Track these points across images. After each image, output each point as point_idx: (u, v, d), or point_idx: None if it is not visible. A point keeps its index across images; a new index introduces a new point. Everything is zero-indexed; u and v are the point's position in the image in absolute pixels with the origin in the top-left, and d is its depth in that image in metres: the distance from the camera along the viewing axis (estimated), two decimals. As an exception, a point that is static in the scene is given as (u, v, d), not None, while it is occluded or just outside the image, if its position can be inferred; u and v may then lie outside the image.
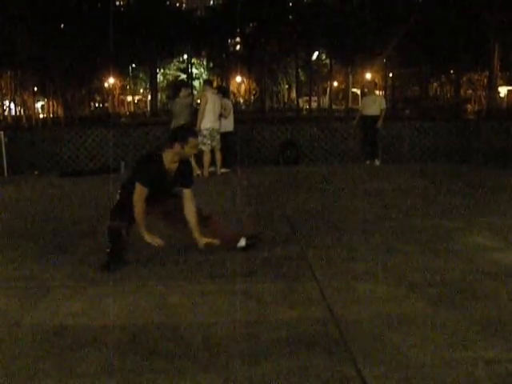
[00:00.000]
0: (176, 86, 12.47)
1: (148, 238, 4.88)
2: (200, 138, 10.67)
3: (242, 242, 5.29)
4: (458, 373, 2.93)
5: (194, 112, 11.18)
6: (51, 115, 58.26)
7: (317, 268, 4.75)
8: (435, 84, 64.92)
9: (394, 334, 3.40)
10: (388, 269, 4.71)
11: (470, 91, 58.53)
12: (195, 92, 61.04)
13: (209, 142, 10.69)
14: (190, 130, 5.49)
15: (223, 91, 11.96)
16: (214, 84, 11.60)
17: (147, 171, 4.82)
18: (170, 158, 4.87)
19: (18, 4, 40.13)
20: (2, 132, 12.61)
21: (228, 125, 11.33)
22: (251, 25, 64.04)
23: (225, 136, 11.17)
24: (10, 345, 3.38)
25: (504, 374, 2.91)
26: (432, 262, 4.89)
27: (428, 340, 3.32)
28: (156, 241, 4.89)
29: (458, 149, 13.20)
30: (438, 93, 66.33)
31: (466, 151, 13.13)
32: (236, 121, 12.02)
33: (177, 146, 4.84)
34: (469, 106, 51.40)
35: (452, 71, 52.30)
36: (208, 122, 10.65)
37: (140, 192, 4.76)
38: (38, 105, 67.14)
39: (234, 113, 11.89)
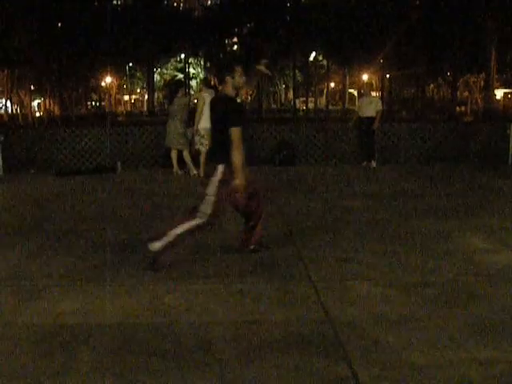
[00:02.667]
0: (173, 87, 12.45)
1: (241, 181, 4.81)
2: (197, 138, 10.67)
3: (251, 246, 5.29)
4: (453, 373, 2.94)
5: (191, 112, 11.17)
6: (48, 114, 58.16)
7: (312, 269, 4.76)
8: (432, 86, 65.02)
9: (389, 335, 3.41)
10: (383, 270, 4.72)
11: (466, 93, 58.64)
12: (192, 92, 61.02)
13: (206, 142, 10.67)
14: (232, 60, 5.59)
15: (215, 90, 11.94)
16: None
17: (238, 112, 4.90)
18: (231, 93, 4.97)
19: (15, 2, 40.04)
20: (-2, 130, 12.56)
21: None
22: (248, 25, 64.04)
23: None
24: (5, 343, 3.38)
25: (498, 374, 2.92)
26: (427, 263, 4.90)
27: (423, 341, 3.33)
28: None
29: (454, 151, 13.22)
30: (435, 94, 66.45)
31: (462, 153, 13.15)
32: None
33: (228, 79, 4.94)
34: (465, 108, 51.50)
35: (449, 73, 52.39)
36: (205, 121, 10.63)
37: (240, 135, 4.78)
38: (35, 103, 66.99)
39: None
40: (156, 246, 4.77)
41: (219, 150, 4.92)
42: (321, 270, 4.72)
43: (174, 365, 3.08)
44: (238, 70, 4.99)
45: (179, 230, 4.79)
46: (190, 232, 4.85)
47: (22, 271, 4.83)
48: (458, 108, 49.26)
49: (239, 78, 4.97)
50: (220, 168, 4.83)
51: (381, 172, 11.60)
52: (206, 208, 4.79)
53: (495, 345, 3.26)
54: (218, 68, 5.86)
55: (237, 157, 4.75)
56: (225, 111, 4.89)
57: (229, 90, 4.96)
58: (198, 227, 4.85)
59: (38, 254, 5.36)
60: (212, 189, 4.82)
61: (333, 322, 3.63)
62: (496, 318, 3.67)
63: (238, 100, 5.08)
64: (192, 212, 4.89)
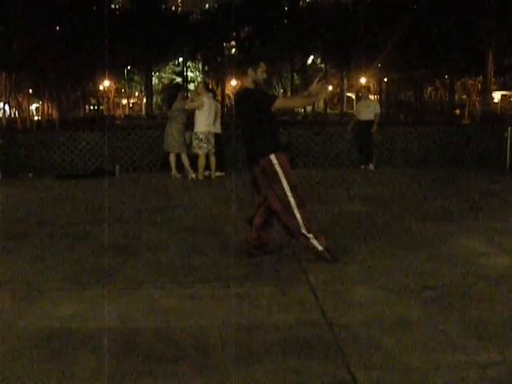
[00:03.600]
0: (172, 91, 12.45)
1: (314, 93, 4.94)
2: (196, 142, 10.68)
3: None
4: (451, 376, 2.95)
5: (190, 115, 11.17)
6: (46, 117, 58.14)
7: (311, 272, 4.77)
8: (429, 89, 65.14)
9: (388, 338, 3.41)
10: (382, 273, 4.73)
11: (464, 96, 58.75)
12: (189, 95, 60.97)
13: (205, 145, 10.68)
14: (259, 56, 5.71)
15: (213, 94, 11.97)
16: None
17: (260, 93, 4.98)
18: (250, 86, 5.05)
19: (14, 6, 40.07)
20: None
21: (217, 127, 11.28)
22: (247, 28, 64.14)
23: (215, 138, 11.09)
24: (3, 348, 3.38)
25: (497, 377, 2.93)
26: (425, 266, 4.91)
27: (421, 343, 3.33)
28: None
29: (452, 153, 13.25)
30: (433, 97, 66.54)
31: (460, 156, 13.18)
32: (231, 124, 12.02)
33: (250, 72, 5.03)
34: (463, 111, 51.57)
35: (446, 76, 52.48)
36: (204, 125, 10.65)
37: (285, 100, 4.90)
38: (33, 107, 66.97)
39: (229, 116, 11.88)
40: (315, 243, 4.90)
41: (259, 143, 4.94)
42: (319, 273, 4.72)
43: (173, 369, 3.08)
44: (262, 65, 5.10)
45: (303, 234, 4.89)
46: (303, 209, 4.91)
47: (22, 275, 4.82)
48: (456, 111, 49.32)
49: (261, 73, 5.06)
50: (272, 159, 4.85)
51: (379, 175, 11.62)
52: (289, 197, 4.85)
53: (494, 347, 3.27)
54: (243, 62, 6.15)
55: (304, 103, 4.88)
56: (255, 101, 4.93)
57: (248, 82, 5.04)
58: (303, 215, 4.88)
59: (38, 257, 5.36)
60: (281, 179, 4.85)
61: (331, 325, 3.64)
62: (494, 320, 3.68)
63: None
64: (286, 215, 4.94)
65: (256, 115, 4.94)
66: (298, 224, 4.89)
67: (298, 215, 4.86)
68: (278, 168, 4.86)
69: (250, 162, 5.06)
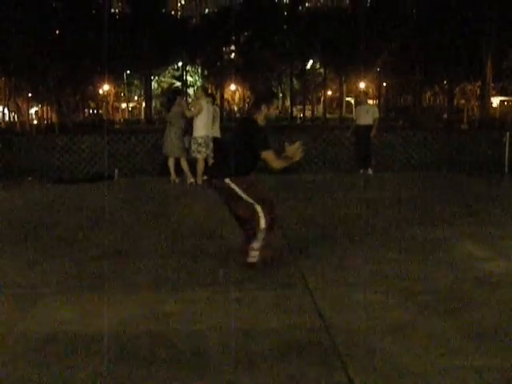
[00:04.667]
0: (171, 95, 12.46)
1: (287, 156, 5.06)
2: (195, 146, 10.70)
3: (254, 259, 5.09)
4: (449, 380, 2.96)
5: (188, 120, 11.19)
6: (45, 121, 58.17)
7: (309, 276, 4.78)
8: (428, 94, 65.27)
9: (386, 342, 3.42)
10: (380, 277, 4.74)
11: (463, 101, 58.86)
12: (189, 100, 61.08)
13: (204, 149, 10.70)
14: (270, 91, 6.17)
15: (212, 98, 12.01)
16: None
17: (263, 134, 5.05)
18: (260, 121, 5.14)
19: (13, 9, 40.14)
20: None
21: (215, 131, 11.29)
22: (246, 33, 64.28)
23: (214, 143, 11.10)
24: (2, 352, 3.39)
25: (494, 382, 2.94)
26: (423, 270, 4.93)
27: (419, 348, 3.34)
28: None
29: (451, 159, 13.28)
30: (432, 103, 66.67)
31: (459, 161, 13.21)
32: (230, 129, 12.04)
33: (264, 108, 5.12)
34: (462, 116, 51.67)
35: (445, 81, 52.61)
36: (203, 129, 10.67)
37: (272, 156, 4.98)
38: (32, 111, 67.00)
39: (228, 121, 11.91)
40: (253, 257, 4.96)
41: (229, 165, 5.01)
42: (317, 278, 4.74)
43: (172, 372, 3.09)
44: (275, 103, 5.34)
45: (258, 243, 4.94)
46: (268, 232, 4.97)
47: (20, 279, 4.83)
48: (454, 115, 49.41)
49: (272, 110, 5.24)
50: (231, 183, 4.94)
51: (377, 180, 11.64)
52: (255, 207, 4.92)
53: (491, 352, 3.28)
54: (257, 96, 6.13)
55: (279, 164, 5.08)
56: (252, 134, 5.05)
57: (261, 118, 5.15)
58: (268, 226, 4.94)
59: (36, 262, 5.36)
60: (242, 195, 4.94)
61: (329, 329, 3.65)
62: (492, 325, 3.69)
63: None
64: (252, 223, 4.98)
65: (245, 147, 5.01)
66: (254, 239, 4.94)
67: (262, 225, 4.90)
68: (234, 187, 4.94)
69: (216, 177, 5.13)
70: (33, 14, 42.22)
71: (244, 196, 4.95)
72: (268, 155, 4.95)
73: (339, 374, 3.05)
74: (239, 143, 5.09)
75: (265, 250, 4.99)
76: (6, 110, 59.99)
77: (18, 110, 58.69)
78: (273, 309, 4.03)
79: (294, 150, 5.09)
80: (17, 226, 7.13)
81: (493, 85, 45.25)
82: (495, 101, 54.35)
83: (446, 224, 6.92)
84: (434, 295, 4.27)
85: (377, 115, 12.83)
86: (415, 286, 4.49)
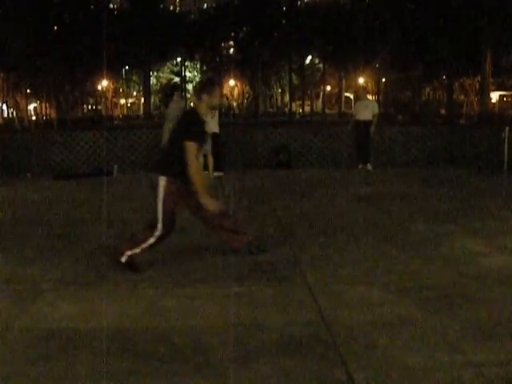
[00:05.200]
0: (169, 90, 12.40)
1: (207, 201, 4.89)
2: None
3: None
4: (448, 376, 2.96)
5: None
6: (44, 117, 58.10)
7: (308, 272, 4.78)
8: (427, 89, 65.22)
9: (385, 338, 3.43)
10: (379, 273, 4.75)
11: (462, 96, 58.80)
12: (188, 95, 61.06)
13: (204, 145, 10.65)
14: (211, 80, 5.89)
15: None
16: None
17: (198, 128, 4.98)
18: (203, 111, 5.07)
19: (12, 5, 40.06)
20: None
21: (214, 126, 11.25)
22: (245, 29, 64.16)
23: (212, 138, 11.06)
24: (2, 347, 3.39)
25: (493, 377, 2.94)
26: (422, 266, 4.93)
27: (418, 343, 3.35)
28: (214, 207, 4.92)
29: (450, 154, 13.28)
30: (431, 98, 66.61)
31: (458, 156, 13.21)
32: (229, 124, 12.04)
33: (205, 97, 5.03)
34: (461, 111, 51.64)
35: (444, 76, 52.55)
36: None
37: (193, 150, 4.83)
38: (31, 107, 66.90)
39: (227, 116, 11.90)
40: (123, 260, 4.88)
41: (165, 160, 4.99)
42: (317, 274, 4.74)
43: (171, 368, 3.09)
44: (216, 90, 5.16)
45: (137, 249, 4.87)
46: (149, 247, 4.92)
47: (20, 275, 4.83)
48: (453, 110, 49.35)
49: (215, 98, 5.11)
50: (162, 181, 4.87)
51: (377, 175, 11.63)
52: (158, 222, 4.86)
53: (490, 348, 3.28)
54: (198, 86, 5.95)
55: (194, 173, 4.82)
56: (186, 124, 4.98)
57: (203, 107, 5.05)
58: (155, 242, 4.91)
59: (35, 257, 5.37)
60: (158, 202, 4.89)
61: (329, 325, 3.65)
62: (491, 320, 3.69)
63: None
64: (147, 230, 4.94)
65: (180, 137, 4.92)
66: (139, 241, 4.90)
67: (151, 239, 4.87)
68: (161, 188, 4.88)
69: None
70: (31, 10, 42.12)
71: (159, 201, 4.87)
72: (190, 146, 4.79)
73: (339, 369, 3.05)
74: (176, 138, 4.97)
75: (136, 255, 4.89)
76: (4, 107, 59.90)
77: (16, 106, 58.60)
78: (272, 305, 4.04)
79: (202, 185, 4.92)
80: (16, 223, 7.13)
81: (492, 80, 45.20)
82: (494, 96, 54.32)
83: (445, 219, 6.92)
84: (434, 291, 4.27)
85: (376, 111, 12.83)
86: (415, 282, 4.49)
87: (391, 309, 3.93)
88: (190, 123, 4.99)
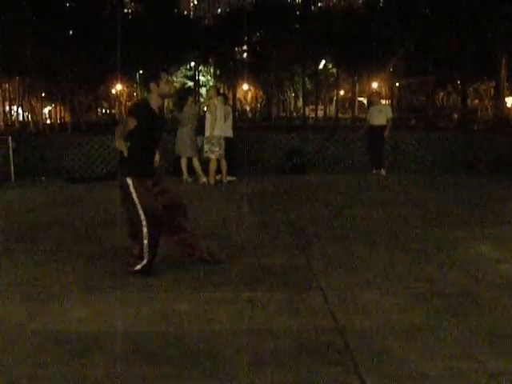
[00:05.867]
0: (183, 95, 12.38)
1: (119, 143, 4.81)
2: (208, 146, 10.68)
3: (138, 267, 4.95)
4: (463, 384, 2.93)
5: (201, 119, 11.20)
6: (58, 121, 58.54)
7: (321, 277, 4.76)
8: (442, 94, 64.91)
9: (399, 345, 3.39)
10: (393, 279, 4.71)
11: (476, 101, 58.46)
12: (202, 99, 61.15)
13: (217, 149, 10.67)
14: (158, 68, 5.55)
15: (225, 98, 12.01)
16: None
17: (139, 111, 4.89)
18: (154, 101, 4.94)
19: (28, 10, 40.45)
20: (10, 137, 12.67)
21: (228, 130, 11.26)
22: (258, 33, 64.30)
23: (226, 142, 11.06)
24: (15, 350, 3.39)
25: (508, 386, 2.90)
26: (437, 272, 4.89)
27: (432, 350, 3.31)
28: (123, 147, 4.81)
29: (464, 159, 13.19)
30: (445, 103, 66.29)
31: (472, 162, 13.11)
32: (242, 129, 12.04)
33: (152, 86, 4.93)
34: (475, 116, 51.32)
35: (459, 81, 52.27)
36: (217, 129, 10.64)
37: (128, 126, 4.74)
38: (46, 110, 67.44)
39: (241, 120, 11.91)
40: (138, 268, 4.86)
41: (128, 163, 4.86)
42: (330, 279, 4.71)
43: (184, 373, 3.08)
44: (164, 77, 4.99)
45: (144, 261, 4.82)
46: (152, 249, 4.84)
47: (33, 277, 4.85)
48: (467, 115, 49.09)
49: (164, 85, 4.96)
50: (129, 181, 4.79)
51: (390, 180, 11.58)
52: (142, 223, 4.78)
53: (505, 355, 3.24)
54: (146, 78, 5.90)
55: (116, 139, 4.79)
56: (132, 111, 4.89)
57: (154, 97, 4.95)
58: (151, 243, 4.82)
59: (49, 260, 5.39)
60: (133, 203, 4.78)
61: (342, 331, 3.62)
62: (506, 327, 3.65)
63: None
64: (136, 239, 4.87)
65: (137, 134, 4.82)
66: (140, 250, 4.84)
67: (145, 242, 4.80)
68: (132, 190, 4.77)
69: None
70: (47, 15, 42.50)
71: (136, 201, 4.76)
72: (128, 121, 4.73)
73: (352, 375, 3.03)
74: (128, 135, 4.83)
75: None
76: (20, 110, 60.42)
77: (31, 110, 59.12)
78: (286, 310, 4.02)
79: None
80: (29, 225, 7.17)
81: (507, 84, 44.90)
82: (509, 101, 53.94)
83: (459, 225, 6.86)
84: (447, 297, 4.23)
85: (390, 115, 12.78)
86: (430, 288, 4.45)
87: (405, 315, 3.89)
88: (136, 109, 4.92)
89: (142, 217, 4.76)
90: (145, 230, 4.77)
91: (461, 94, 52.02)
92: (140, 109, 4.98)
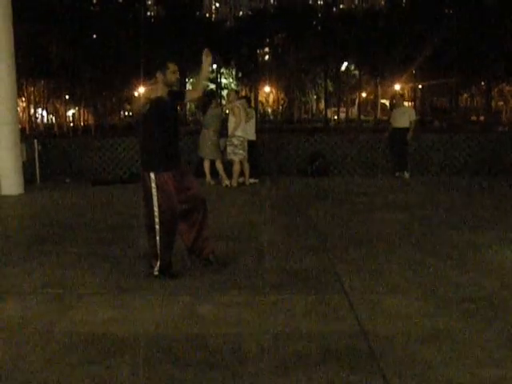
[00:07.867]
0: (207, 97, 12.45)
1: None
2: (231, 148, 10.71)
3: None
4: (490, 391, 2.90)
5: (224, 122, 11.24)
6: (82, 123, 59.18)
7: (346, 281, 4.74)
8: (465, 95, 64.24)
9: (424, 350, 3.37)
10: (418, 283, 4.68)
11: (501, 103, 57.75)
12: (223, 102, 61.28)
13: (240, 151, 10.70)
14: (164, 59, 5.61)
15: (247, 100, 12.05)
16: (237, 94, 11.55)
17: (151, 96, 4.90)
18: (161, 92, 4.94)
19: (53, 15, 40.99)
20: (35, 140, 12.85)
21: (251, 133, 11.28)
22: (280, 35, 64.29)
23: (249, 145, 11.09)
24: (42, 351, 3.44)
25: (537, 393, 2.87)
26: (462, 276, 4.84)
27: (458, 356, 3.28)
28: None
29: (489, 162, 13.03)
30: (469, 104, 65.58)
31: (497, 164, 12.96)
32: (264, 131, 12.05)
33: (159, 75, 4.95)
34: (499, 118, 50.72)
35: (483, 82, 51.69)
36: (239, 131, 10.67)
37: (140, 106, 4.84)
38: (69, 113, 68.20)
39: (263, 122, 11.93)
40: (156, 272, 4.90)
41: (148, 156, 4.89)
42: (355, 283, 4.70)
43: (208, 376, 3.10)
44: (171, 66, 4.97)
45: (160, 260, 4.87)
46: (168, 246, 4.88)
47: (58, 279, 4.91)
48: (491, 117, 48.52)
49: (171, 74, 4.95)
50: (152, 175, 4.81)
51: (414, 183, 11.49)
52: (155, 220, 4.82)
53: (534, 362, 3.20)
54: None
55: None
56: (148, 112, 4.87)
57: (160, 87, 4.94)
58: (167, 239, 4.86)
59: (75, 262, 5.45)
60: (151, 198, 4.81)
61: (367, 335, 3.61)
62: (534, 334, 3.60)
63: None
64: (151, 236, 4.91)
65: (150, 124, 4.86)
66: (155, 248, 4.87)
67: (157, 239, 4.83)
68: (153, 185, 4.79)
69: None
70: (71, 18, 43.01)
71: (154, 198, 4.79)
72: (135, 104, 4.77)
73: (377, 380, 3.01)
74: (145, 129, 4.88)
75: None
76: (44, 113, 61.18)
77: (56, 113, 59.83)
78: (310, 313, 4.01)
79: (204, 58, 4.89)
80: (55, 227, 7.26)
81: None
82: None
83: (484, 229, 6.78)
84: (472, 302, 4.19)
85: (413, 117, 12.68)
86: (455, 293, 4.41)
87: (431, 320, 3.86)
88: (148, 94, 4.92)
89: (156, 213, 4.81)
90: (157, 227, 4.83)
91: (485, 96, 51.46)
92: (152, 94, 4.95)
